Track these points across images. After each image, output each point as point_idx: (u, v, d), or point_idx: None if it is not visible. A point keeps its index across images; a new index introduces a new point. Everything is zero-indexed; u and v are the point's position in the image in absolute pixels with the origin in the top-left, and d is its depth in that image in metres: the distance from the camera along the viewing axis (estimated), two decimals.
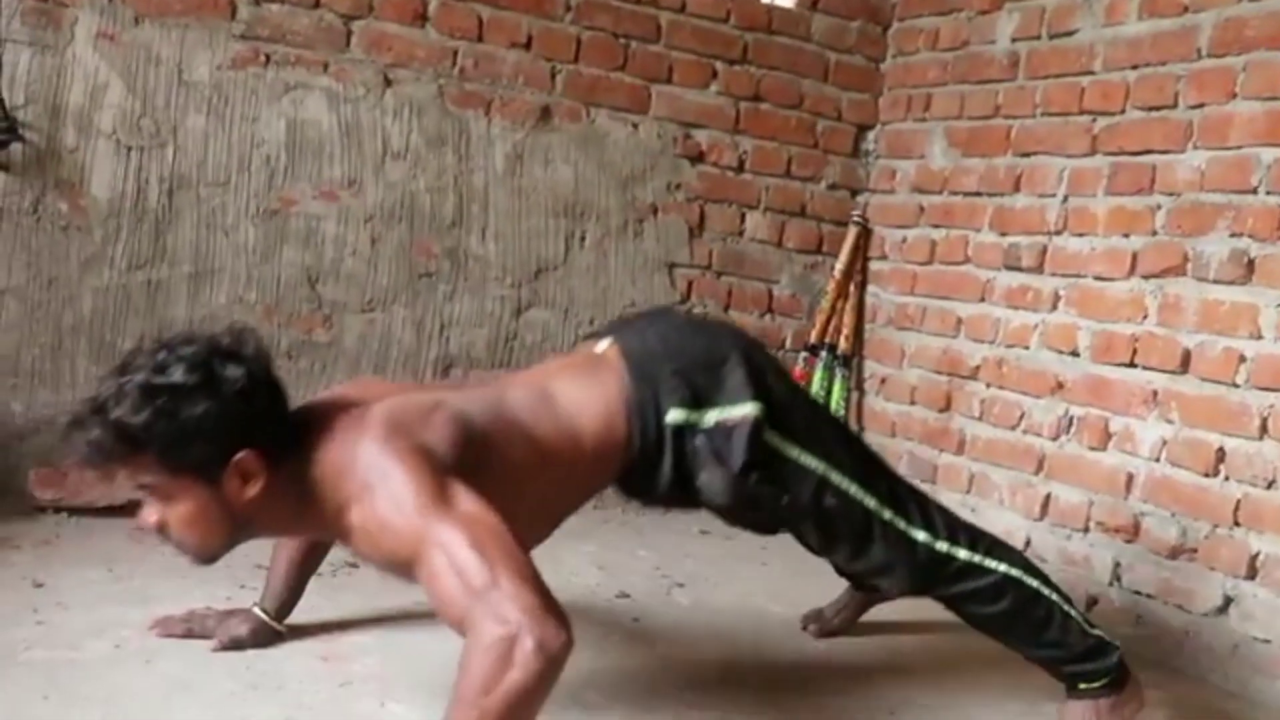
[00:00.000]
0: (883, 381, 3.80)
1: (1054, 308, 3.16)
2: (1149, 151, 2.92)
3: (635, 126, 3.56)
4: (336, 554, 2.76)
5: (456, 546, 1.49)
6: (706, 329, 2.12)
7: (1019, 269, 3.28)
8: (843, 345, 3.82)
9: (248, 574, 2.54)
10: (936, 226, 3.61)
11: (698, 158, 3.66)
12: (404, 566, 1.57)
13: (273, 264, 3.16)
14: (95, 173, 2.95)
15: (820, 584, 2.71)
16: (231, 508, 1.66)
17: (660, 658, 2.38)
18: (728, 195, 3.72)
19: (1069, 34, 3.19)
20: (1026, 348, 3.24)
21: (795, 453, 1.96)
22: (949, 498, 3.44)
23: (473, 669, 1.41)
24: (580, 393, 1.91)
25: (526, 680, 1.40)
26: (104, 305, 2.98)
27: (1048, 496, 3.12)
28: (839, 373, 3.80)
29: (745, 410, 1.90)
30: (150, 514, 1.68)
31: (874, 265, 3.87)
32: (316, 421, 1.73)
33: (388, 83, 3.24)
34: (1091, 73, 3.11)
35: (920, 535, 2.04)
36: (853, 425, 3.86)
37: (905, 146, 3.78)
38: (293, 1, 3.11)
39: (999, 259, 3.36)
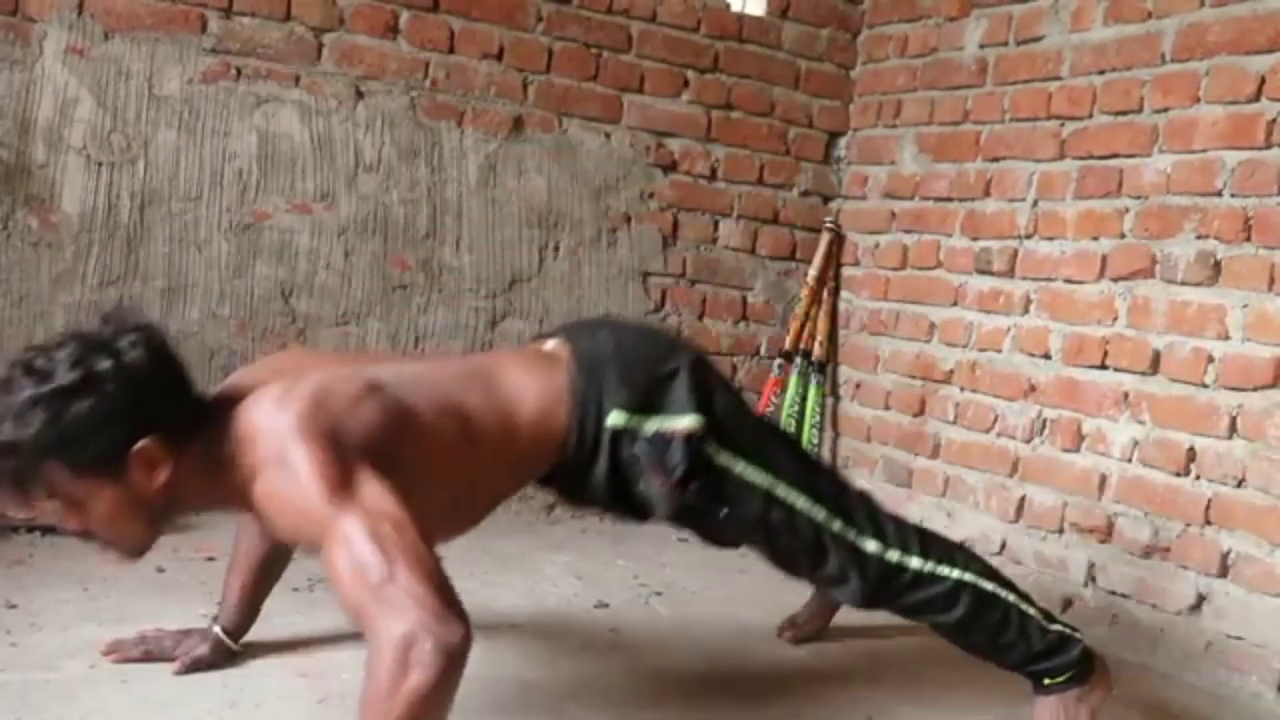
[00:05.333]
0: (857, 387, 3.82)
1: (1025, 311, 3.19)
2: (1116, 155, 2.95)
3: (608, 136, 3.57)
4: (313, 568, 2.76)
5: (356, 539, 1.47)
6: (657, 338, 2.10)
7: (990, 273, 3.31)
8: (817, 351, 3.84)
9: None
10: (908, 232, 3.64)
11: (670, 166, 3.67)
12: (309, 547, 1.56)
13: (246, 278, 3.15)
14: (66, 188, 2.93)
15: (799, 591, 2.72)
16: (143, 497, 1.63)
17: (639, 667, 2.39)
18: (700, 203, 3.73)
19: (1036, 40, 3.22)
20: (999, 351, 3.26)
21: (740, 467, 1.94)
22: (925, 501, 3.46)
23: (375, 672, 1.40)
24: (523, 380, 1.88)
25: (428, 682, 1.38)
26: (75, 322, 2.96)
27: (1022, 499, 3.15)
28: (814, 379, 3.82)
29: (687, 422, 1.88)
30: (70, 521, 1.65)
31: (847, 271, 3.90)
32: (240, 393, 1.70)
33: (360, 95, 3.24)
34: (1059, 78, 3.14)
35: (871, 546, 2.02)
36: (828, 431, 3.88)
37: (876, 152, 3.80)
38: (263, 15, 3.11)
39: (970, 263, 3.38)
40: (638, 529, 3.54)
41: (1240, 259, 2.64)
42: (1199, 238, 2.73)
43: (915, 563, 2.04)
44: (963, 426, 3.37)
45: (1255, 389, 2.58)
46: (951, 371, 3.43)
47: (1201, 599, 2.68)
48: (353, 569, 1.46)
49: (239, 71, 3.10)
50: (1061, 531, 3.03)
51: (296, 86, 3.17)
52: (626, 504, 1.95)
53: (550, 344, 2.00)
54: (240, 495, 1.65)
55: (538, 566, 3.03)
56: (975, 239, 3.38)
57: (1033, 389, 3.14)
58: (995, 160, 3.34)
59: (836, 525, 2.00)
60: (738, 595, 2.99)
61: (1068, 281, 3.06)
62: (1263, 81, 2.61)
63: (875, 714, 2.28)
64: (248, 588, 2.15)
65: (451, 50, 3.33)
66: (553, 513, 3.56)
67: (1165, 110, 2.84)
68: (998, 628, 2.08)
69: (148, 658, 2.08)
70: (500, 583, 2.85)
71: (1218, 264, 2.68)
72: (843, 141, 3.93)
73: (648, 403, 1.89)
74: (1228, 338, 2.65)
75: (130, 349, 1.62)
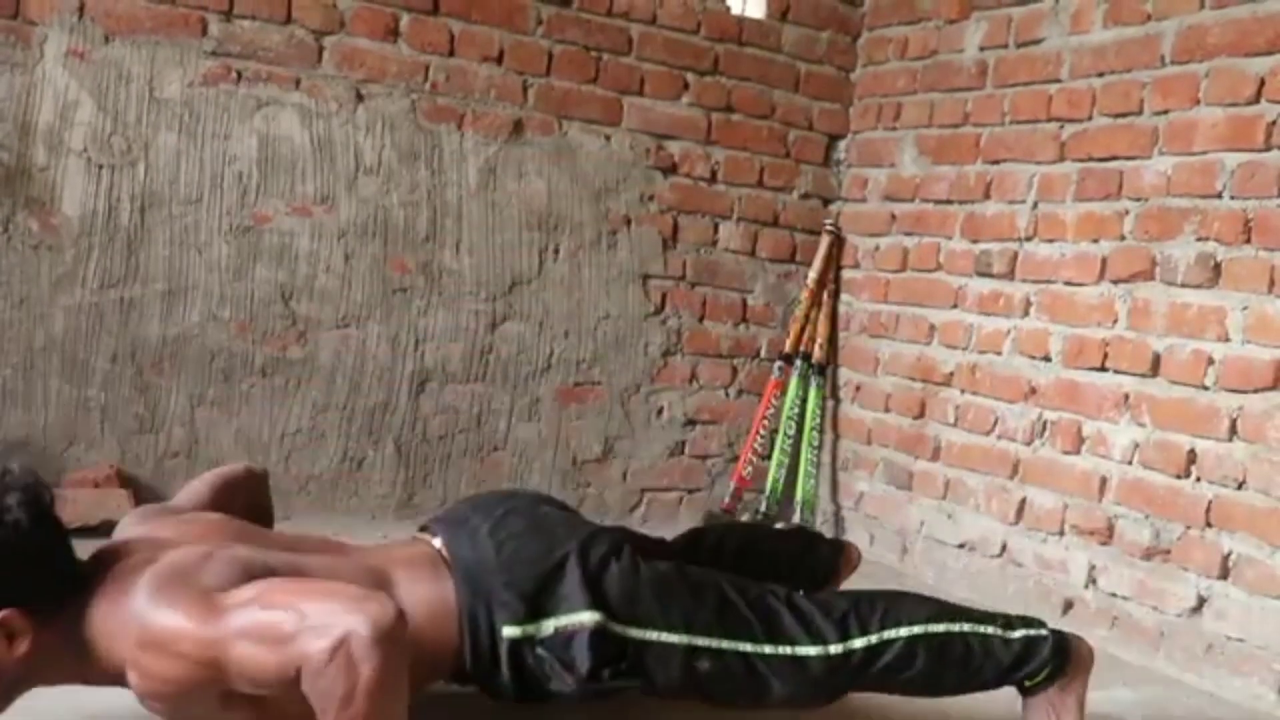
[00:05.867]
0: (857, 389, 3.82)
1: (1025, 313, 3.19)
2: (1116, 157, 2.95)
3: (608, 139, 3.57)
4: None
5: (250, 621, 1.46)
6: (543, 528, 1.97)
7: (990, 275, 3.31)
8: (817, 354, 3.84)
9: None
10: (908, 234, 3.64)
11: (670, 169, 3.67)
12: (205, 695, 1.52)
13: (246, 281, 3.15)
14: (66, 191, 2.93)
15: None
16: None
17: None
18: (701, 206, 3.74)
19: (1036, 42, 3.22)
20: (999, 353, 3.26)
21: (653, 635, 1.87)
22: (925, 504, 3.46)
23: (325, 693, 1.39)
24: (416, 587, 1.81)
25: (379, 669, 1.38)
26: (76, 324, 2.96)
27: (1023, 501, 3.15)
28: (814, 381, 3.82)
29: (583, 618, 1.82)
30: None
31: (847, 273, 3.90)
32: (105, 571, 1.64)
33: (360, 98, 3.24)
34: (1059, 80, 3.14)
35: (811, 650, 1.94)
36: (828, 433, 3.88)
37: (876, 155, 3.80)
38: (264, 18, 3.11)
39: (970, 266, 3.38)
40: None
41: (1240, 261, 2.64)
42: (1199, 240, 2.73)
43: (859, 642, 1.97)
44: (963, 429, 3.37)
45: (1255, 391, 2.58)
46: (952, 374, 3.43)
47: (1202, 601, 2.68)
48: (262, 642, 1.44)
49: (239, 74, 3.10)
50: (1062, 533, 3.03)
51: (297, 89, 3.17)
52: (543, 698, 1.88)
53: (436, 543, 1.93)
54: (108, 677, 1.62)
55: None
56: (975, 241, 3.38)
57: (1033, 391, 3.14)
58: (995, 162, 3.34)
59: (767, 649, 1.93)
60: None
61: (1068, 284, 3.06)
62: (1262, 83, 2.61)
63: (876, 718, 2.27)
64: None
65: (452, 53, 3.33)
66: None
67: (1165, 112, 2.84)
68: (963, 662, 2.03)
69: None
70: None
71: (1218, 266, 2.68)
72: (843, 144, 3.93)
73: (539, 607, 1.83)
74: (1228, 340, 2.65)
75: (11, 513, 1.55)
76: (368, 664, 1.38)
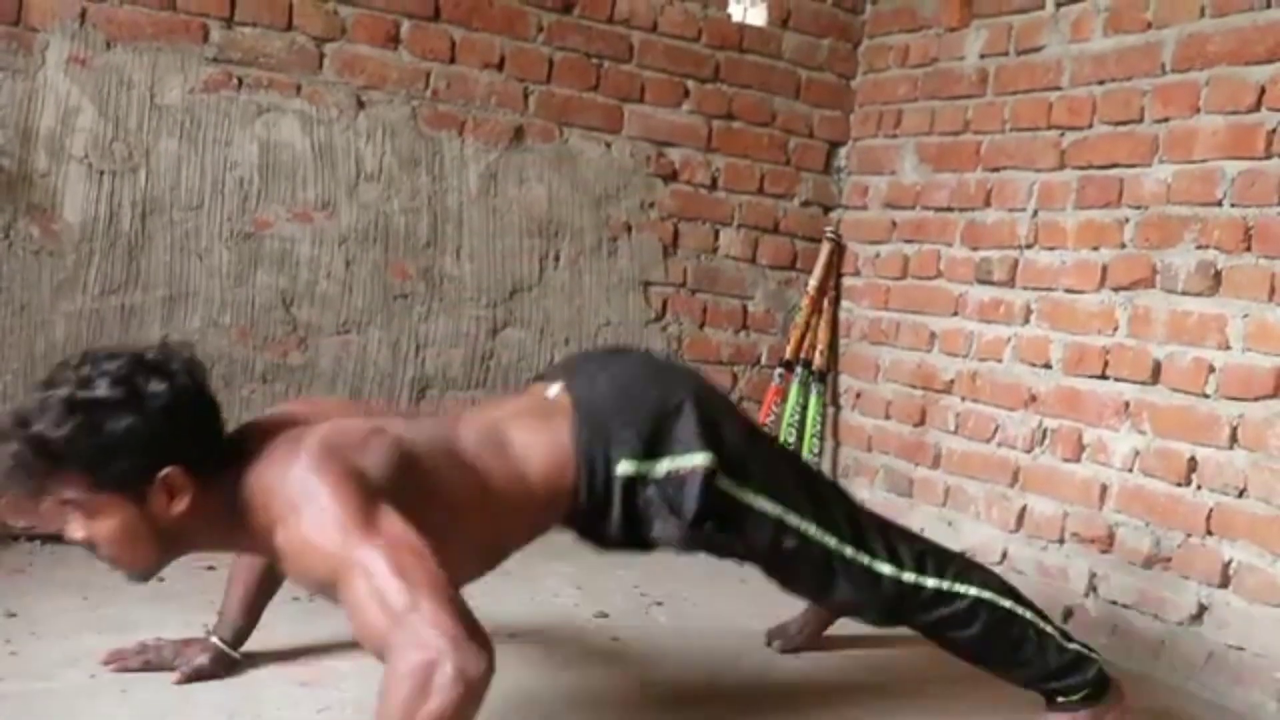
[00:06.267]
0: (858, 396, 3.82)
1: (1026, 321, 3.19)
2: (1116, 165, 2.96)
3: (608, 145, 3.57)
4: None
5: (377, 570, 1.48)
6: (660, 375, 2.06)
7: (991, 283, 3.31)
8: (817, 361, 3.84)
9: None
10: (909, 241, 3.64)
11: (671, 176, 3.68)
12: (329, 588, 1.56)
13: (247, 287, 3.15)
14: (67, 197, 2.94)
15: (800, 604, 2.72)
16: (158, 524, 1.64)
17: (639, 677, 2.38)
18: (701, 213, 3.74)
19: (1036, 50, 3.23)
20: (999, 361, 3.26)
21: (751, 498, 1.93)
22: (926, 511, 3.46)
23: (391, 696, 1.40)
24: (530, 437, 1.88)
25: (444, 708, 1.38)
26: (77, 330, 2.96)
27: (1023, 509, 3.15)
28: (814, 388, 3.82)
29: (697, 460, 1.87)
30: (75, 530, 1.65)
31: (847, 281, 3.90)
32: (256, 439, 1.71)
33: (361, 104, 3.24)
34: (1059, 88, 3.14)
35: (885, 569, 2.02)
36: (828, 440, 3.88)
37: (877, 162, 3.81)
38: (265, 24, 3.11)
39: (971, 273, 3.39)
40: None
41: (1240, 269, 2.64)
42: (1199, 248, 2.73)
43: (931, 582, 2.04)
44: (963, 436, 3.37)
45: (1256, 399, 2.58)
46: (952, 381, 3.43)
47: (1203, 609, 2.67)
48: (374, 598, 1.47)
49: (240, 81, 3.10)
50: (1062, 541, 3.02)
51: (298, 96, 3.17)
52: (643, 544, 1.94)
53: (552, 390, 1.99)
54: (256, 543, 1.67)
55: (538, 576, 3.02)
56: (975, 249, 3.38)
57: (1033, 399, 3.14)
58: (995, 170, 3.34)
59: (848, 551, 2.00)
60: (738, 605, 2.99)
61: (1068, 291, 3.06)
62: (1263, 92, 2.61)
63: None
64: (248, 597, 2.15)
65: (452, 60, 3.34)
66: None
67: (1165, 120, 2.84)
68: (1015, 645, 2.08)
69: (147, 667, 2.08)
70: (500, 592, 2.84)
71: (1218, 274, 2.69)
72: (843, 151, 3.94)
73: (655, 447, 1.88)
74: (1228, 348, 2.65)
75: (181, 377, 1.66)
76: (438, 699, 1.38)
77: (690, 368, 2.19)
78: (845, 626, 2.72)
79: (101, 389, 1.58)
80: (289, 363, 3.21)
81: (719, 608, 2.94)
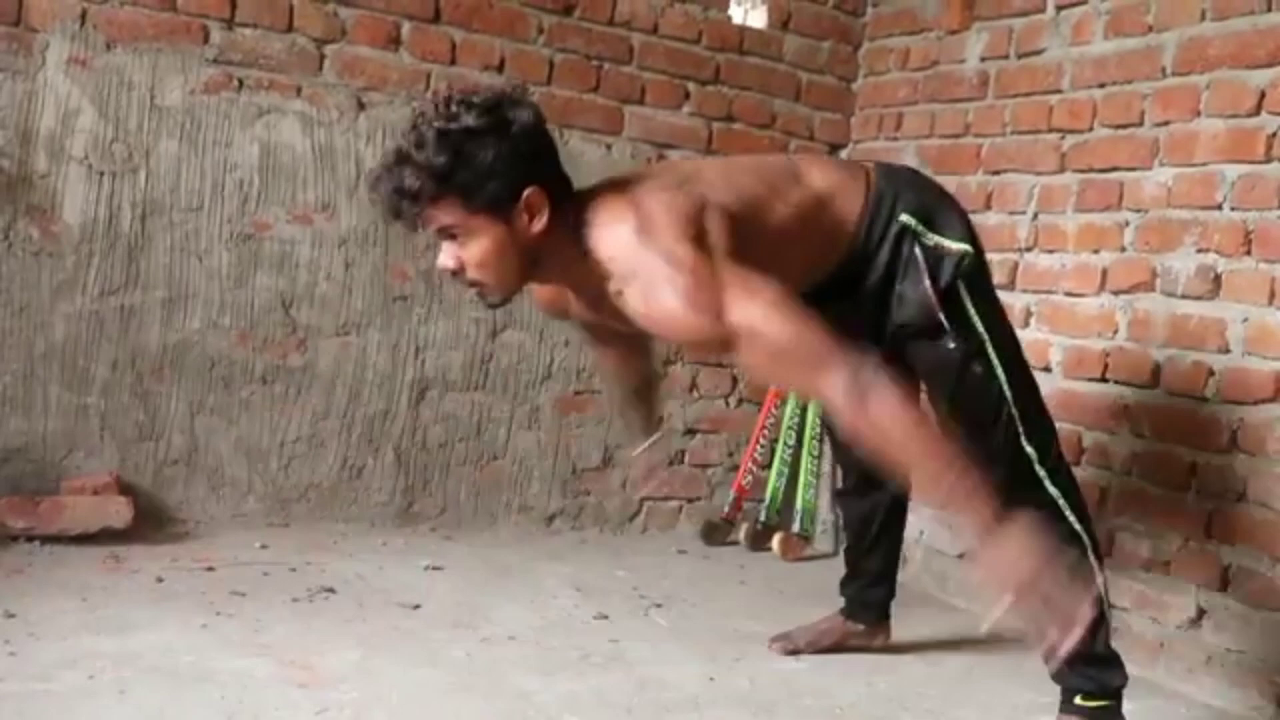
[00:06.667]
0: None
1: (1026, 324, 3.18)
2: (1116, 169, 2.96)
3: (609, 147, 3.57)
4: (312, 580, 2.76)
5: (763, 324, 1.70)
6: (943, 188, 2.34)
7: None
8: None
9: (224, 601, 2.53)
10: None
11: None
12: (706, 346, 1.88)
13: (246, 288, 3.15)
14: (67, 198, 2.94)
15: (799, 604, 2.72)
16: (522, 242, 1.81)
17: (639, 678, 2.38)
18: None
19: (1037, 53, 3.23)
20: None
21: (971, 312, 2.12)
22: (925, 513, 3.45)
23: (860, 420, 1.66)
24: (830, 174, 2.12)
25: (886, 402, 1.65)
26: (76, 331, 2.96)
27: None
28: None
29: (963, 247, 2.11)
30: (448, 258, 1.83)
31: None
32: (599, 189, 1.93)
33: (361, 106, 3.24)
34: (1059, 91, 3.14)
35: (1030, 449, 2.14)
36: (828, 442, 3.87)
37: None
38: (265, 26, 3.12)
39: None
40: (637, 540, 3.55)
41: (1240, 273, 2.64)
42: (1199, 251, 2.73)
43: (1054, 491, 2.15)
44: None
45: (1255, 403, 2.58)
46: None
47: (1202, 613, 2.67)
48: (773, 351, 1.70)
49: (240, 82, 3.10)
50: None
51: (298, 97, 3.17)
52: (880, 302, 2.12)
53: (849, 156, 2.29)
54: (596, 286, 1.86)
55: (537, 578, 3.03)
56: None
57: None
58: (996, 173, 3.34)
59: (1015, 411, 2.14)
60: (738, 607, 2.99)
61: (1068, 294, 3.06)
62: (1263, 96, 2.61)
63: None
64: (640, 395, 2.49)
65: (453, 62, 3.34)
66: (552, 524, 3.56)
67: (1166, 124, 2.84)
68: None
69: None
70: (500, 594, 2.85)
71: (1218, 277, 2.68)
72: (844, 154, 3.93)
73: (932, 219, 2.11)
74: (1228, 351, 2.65)
75: (535, 107, 1.86)
76: (873, 402, 1.64)
77: None
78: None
79: (470, 119, 1.76)
80: (288, 364, 3.21)
81: (718, 610, 2.94)
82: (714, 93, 3.71)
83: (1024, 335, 3.15)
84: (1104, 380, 2.94)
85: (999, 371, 2.14)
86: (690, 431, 3.77)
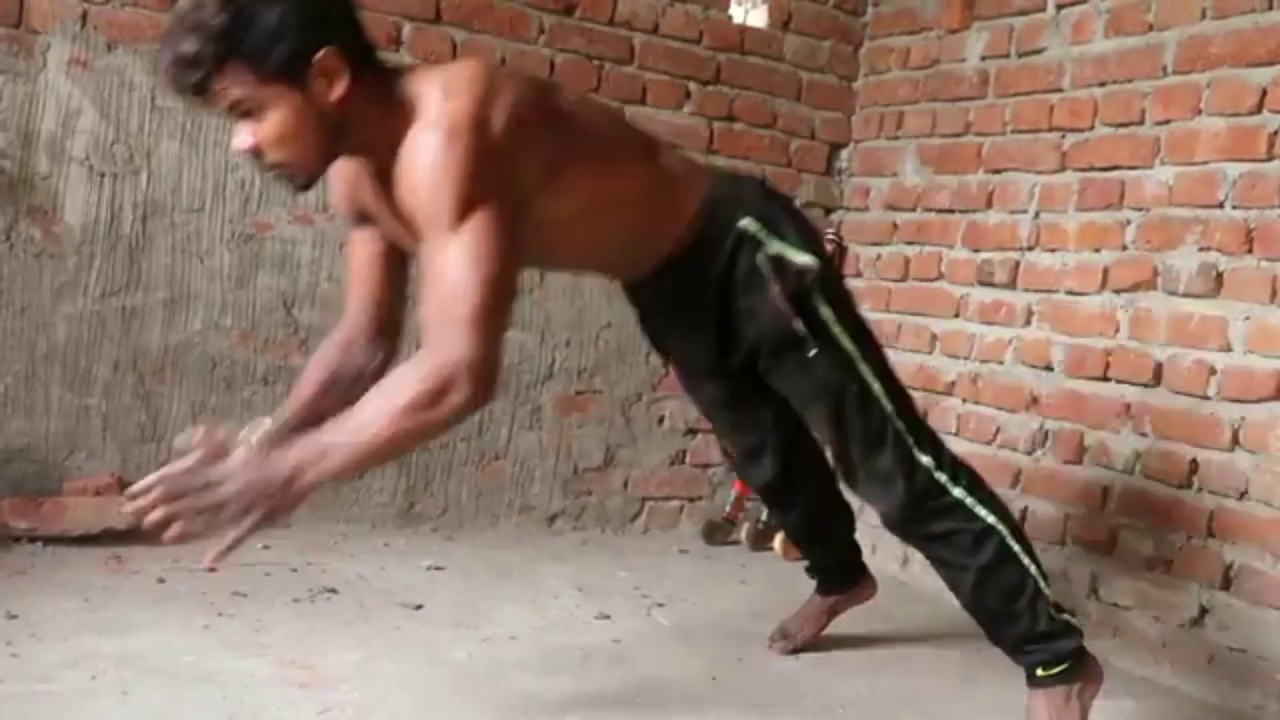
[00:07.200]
0: None
1: (1027, 323, 3.18)
2: (1117, 167, 2.96)
3: None
4: (313, 580, 2.76)
5: (458, 263, 1.65)
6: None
7: (992, 285, 3.31)
8: None
9: (225, 601, 2.53)
10: (910, 243, 3.64)
11: None
12: (416, 234, 1.73)
13: (248, 289, 3.15)
14: (68, 199, 2.94)
15: (801, 604, 2.72)
16: (321, 109, 1.68)
17: (641, 678, 2.38)
18: None
19: (1037, 52, 3.23)
20: (1001, 363, 3.26)
21: (835, 329, 2.04)
22: None
23: (404, 387, 1.61)
24: (675, 158, 2.08)
25: (434, 423, 1.62)
26: (78, 332, 2.97)
27: (1025, 510, 3.14)
28: None
29: (807, 259, 2.01)
30: (244, 138, 1.69)
31: (849, 282, 3.89)
32: (413, 71, 1.82)
33: None
34: (1060, 90, 3.14)
35: (925, 459, 2.08)
36: None
37: (878, 164, 3.81)
38: None
39: (972, 275, 3.38)
40: (639, 541, 3.55)
41: (1242, 271, 2.64)
42: (1201, 250, 2.73)
43: (958, 492, 2.09)
44: (965, 438, 3.36)
45: (1257, 401, 2.58)
46: (953, 383, 3.43)
47: (1204, 612, 2.67)
48: (444, 286, 1.66)
49: None
50: (1064, 544, 3.02)
51: None
52: (727, 323, 2.05)
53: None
54: (387, 161, 1.74)
55: (539, 578, 3.03)
56: (977, 251, 3.38)
57: (1035, 401, 3.14)
58: (997, 172, 3.34)
59: (901, 425, 2.07)
60: (739, 606, 2.99)
61: (1069, 293, 3.06)
62: (1264, 94, 2.61)
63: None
64: (312, 399, 2.00)
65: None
66: (554, 524, 3.56)
67: (1167, 122, 2.84)
68: (1012, 592, 2.09)
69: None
70: (501, 594, 2.85)
71: (1219, 276, 2.68)
72: (844, 153, 3.94)
73: (777, 226, 2.02)
74: (1230, 350, 2.65)
75: None
76: (436, 414, 1.60)
77: None
78: (845, 627, 2.73)
79: None
80: (290, 364, 3.21)
81: (719, 609, 2.94)
82: (715, 93, 3.71)
83: (1025, 334, 3.17)
84: (1106, 379, 2.94)
85: (875, 388, 2.07)
86: (691, 431, 3.77)
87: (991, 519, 2.10)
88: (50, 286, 2.93)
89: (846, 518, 2.63)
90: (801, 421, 2.31)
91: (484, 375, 1.63)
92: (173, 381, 3.09)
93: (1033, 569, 2.11)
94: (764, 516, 3.73)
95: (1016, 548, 2.11)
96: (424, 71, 1.80)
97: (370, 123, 1.73)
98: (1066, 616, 2.14)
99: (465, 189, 1.65)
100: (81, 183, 2.95)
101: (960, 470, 2.13)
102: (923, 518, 2.10)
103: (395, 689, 2.14)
